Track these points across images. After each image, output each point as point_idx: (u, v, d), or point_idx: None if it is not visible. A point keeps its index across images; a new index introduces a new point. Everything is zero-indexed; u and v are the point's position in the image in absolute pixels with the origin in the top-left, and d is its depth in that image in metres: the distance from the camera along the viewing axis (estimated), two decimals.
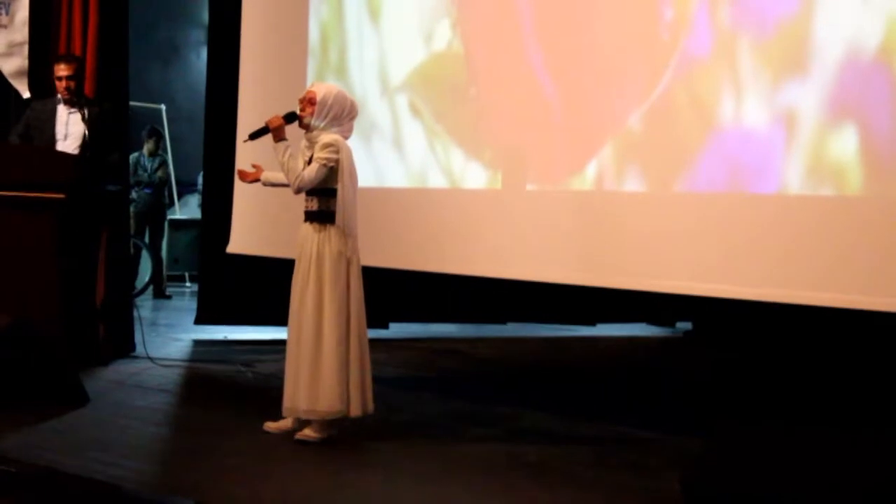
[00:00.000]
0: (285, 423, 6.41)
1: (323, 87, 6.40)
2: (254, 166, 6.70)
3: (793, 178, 5.84)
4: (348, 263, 6.27)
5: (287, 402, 6.30)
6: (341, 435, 6.33)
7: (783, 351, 9.12)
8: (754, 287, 5.99)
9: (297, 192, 6.29)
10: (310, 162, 6.25)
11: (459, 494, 5.44)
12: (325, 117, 6.28)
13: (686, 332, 11.87)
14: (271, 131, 6.30)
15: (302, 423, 6.32)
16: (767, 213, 5.93)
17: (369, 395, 6.37)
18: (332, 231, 6.25)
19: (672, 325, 12.22)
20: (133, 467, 5.70)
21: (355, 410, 6.27)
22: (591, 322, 11.90)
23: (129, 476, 5.55)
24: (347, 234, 6.25)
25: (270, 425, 6.45)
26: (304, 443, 6.22)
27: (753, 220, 5.99)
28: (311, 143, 6.30)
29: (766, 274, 5.93)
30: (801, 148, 5.80)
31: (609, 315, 11.69)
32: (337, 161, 6.21)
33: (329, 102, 6.27)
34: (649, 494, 5.46)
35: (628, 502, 5.35)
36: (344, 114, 6.33)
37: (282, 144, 6.26)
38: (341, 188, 6.22)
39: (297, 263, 6.36)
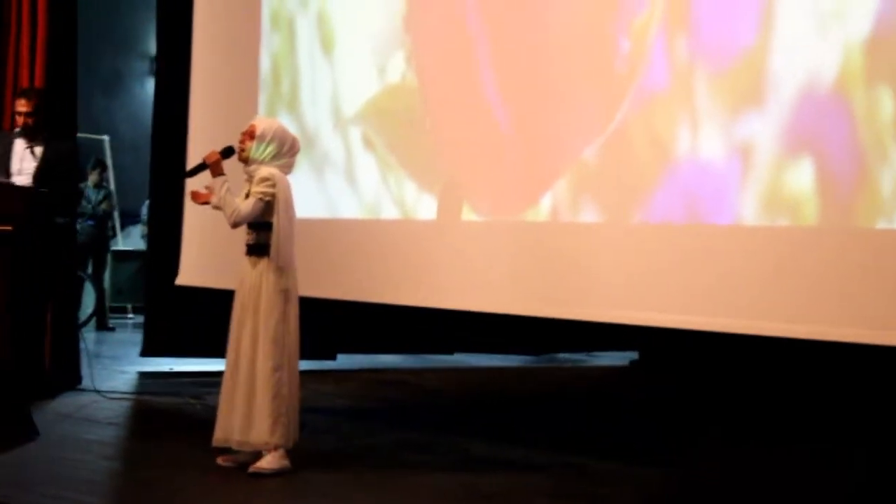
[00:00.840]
0: (238, 457, 6.37)
1: (264, 121, 6.46)
2: (207, 188, 6.70)
3: (748, 210, 5.87)
4: (285, 296, 6.28)
5: (219, 432, 6.29)
6: (294, 467, 6.30)
7: (733, 379, 9.18)
8: (708, 317, 6.02)
9: (234, 226, 6.31)
10: (247, 196, 6.27)
11: None
12: (264, 151, 6.30)
13: (632, 362, 11.91)
14: (209, 166, 6.31)
15: (255, 457, 6.29)
16: (722, 243, 5.97)
17: (295, 424, 6.35)
18: (267, 264, 6.25)
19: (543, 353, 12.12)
20: (85, 502, 5.65)
21: (288, 442, 6.27)
22: (536, 352, 11.92)
23: None
24: (283, 268, 6.26)
25: (226, 458, 6.41)
26: (258, 475, 6.18)
27: (708, 250, 6.02)
28: (250, 177, 6.32)
29: (721, 304, 5.97)
30: (757, 180, 5.83)
31: (557, 345, 11.71)
32: (273, 196, 6.23)
33: (268, 137, 6.30)
34: None
35: None
36: (284, 149, 6.36)
37: (219, 179, 6.28)
38: (276, 222, 6.23)
39: (236, 295, 6.37)
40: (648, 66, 6.29)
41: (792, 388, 8.31)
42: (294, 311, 6.33)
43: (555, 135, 6.74)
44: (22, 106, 8.18)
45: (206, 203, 6.61)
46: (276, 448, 6.19)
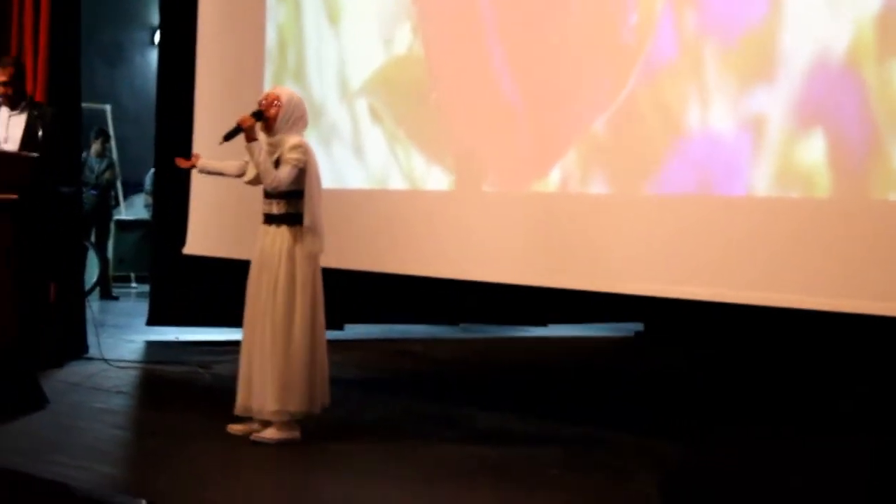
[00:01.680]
0: (250, 426, 6.37)
1: (285, 90, 6.47)
2: (193, 155, 6.65)
3: (760, 182, 5.86)
4: (316, 261, 6.32)
5: (249, 401, 6.28)
6: (304, 438, 6.30)
7: (738, 350, 9.20)
8: (717, 288, 6.02)
9: (273, 189, 6.28)
10: (277, 163, 6.25)
11: (427, 497, 5.44)
12: (289, 120, 6.31)
13: (637, 333, 11.91)
14: (244, 131, 6.29)
15: (265, 424, 6.29)
16: (733, 215, 5.96)
17: (327, 389, 6.41)
18: (301, 232, 6.27)
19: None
20: (95, 470, 5.68)
21: (316, 408, 6.32)
22: (543, 322, 11.92)
23: (91, 479, 5.53)
24: (319, 233, 6.29)
25: (235, 428, 6.40)
26: (261, 444, 6.19)
27: (719, 222, 6.02)
28: (274, 146, 6.30)
29: (731, 275, 5.96)
30: (768, 153, 5.83)
31: (560, 315, 11.69)
32: (305, 162, 6.24)
33: (293, 105, 6.34)
34: (622, 495, 5.47)
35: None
36: (303, 119, 6.41)
37: (255, 144, 6.26)
38: (309, 188, 6.25)
39: (256, 266, 6.36)
40: (656, 37, 6.28)
41: (801, 359, 8.33)
42: (320, 277, 6.38)
43: (563, 106, 6.72)
44: None
45: (192, 167, 6.62)
46: (300, 415, 6.23)
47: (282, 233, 6.29)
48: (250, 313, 6.36)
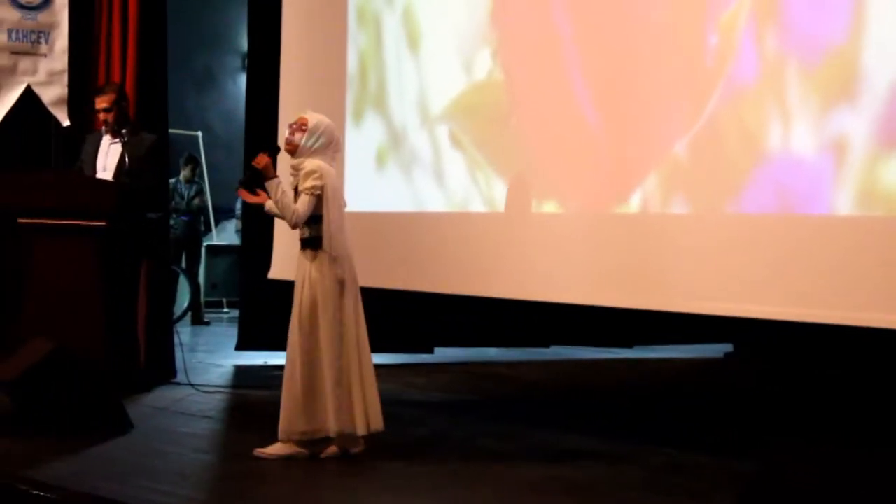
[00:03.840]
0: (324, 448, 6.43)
1: (315, 115, 6.50)
2: (258, 193, 6.73)
3: (843, 205, 5.79)
4: (341, 286, 6.36)
5: (283, 423, 6.37)
6: (384, 458, 6.32)
7: (831, 372, 9.06)
8: (806, 309, 5.94)
9: (294, 227, 6.42)
10: (296, 191, 6.35)
11: None
12: (315, 144, 6.38)
13: (727, 354, 11.79)
14: (262, 170, 6.35)
15: (348, 445, 6.37)
16: (819, 235, 5.89)
17: (374, 411, 6.43)
18: (322, 256, 6.36)
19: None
20: (179, 494, 5.69)
21: (361, 429, 6.36)
22: (629, 344, 11.83)
23: (175, 503, 5.53)
24: (337, 257, 6.35)
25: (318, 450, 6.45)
26: (328, 460, 6.33)
27: (803, 241, 5.94)
28: (296, 170, 6.39)
29: (817, 295, 5.88)
30: (851, 175, 5.75)
31: (646, 337, 11.60)
32: (322, 188, 6.31)
33: (320, 130, 6.40)
34: None
35: None
36: (331, 145, 6.46)
37: (273, 182, 6.35)
38: (326, 213, 6.32)
39: (295, 290, 6.49)
40: (737, 59, 6.24)
41: (892, 377, 8.18)
42: (353, 300, 6.42)
43: (643, 129, 6.69)
44: (100, 103, 8.24)
45: (259, 205, 6.65)
46: (339, 434, 6.31)
47: (307, 257, 6.41)
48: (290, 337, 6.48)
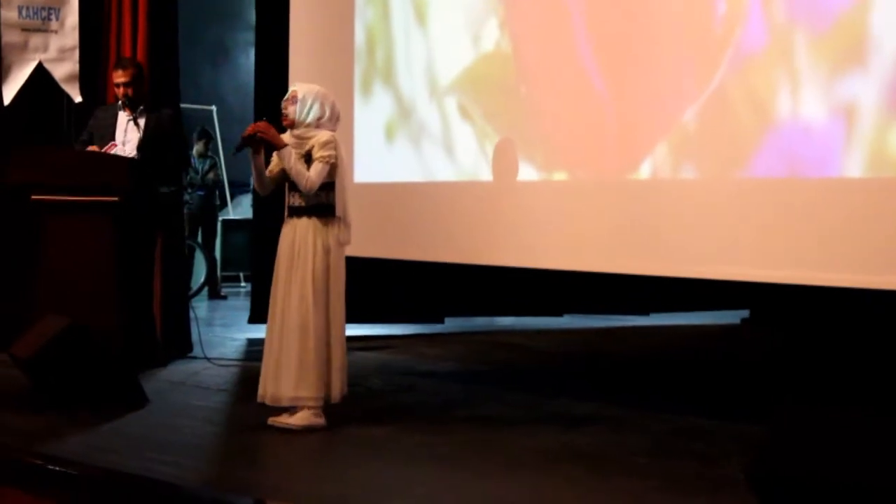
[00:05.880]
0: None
1: (304, 85, 6.60)
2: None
3: (853, 169, 5.79)
4: (343, 251, 6.52)
5: (289, 390, 6.42)
6: (397, 428, 6.35)
7: (846, 335, 9.04)
8: (822, 272, 5.94)
9: (308, 192, 6.41)
10: (306, 160, 6.41)
11: (518, 485, 5.43)
12: (308, 113, 6.45)
13: (743, 320, 11.79)
14: (270, 140, 6.40)
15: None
16: (830, 197, 5.89)
17: (346, 377, 6.54)
18: (332, 223, 6.44)
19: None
20: (193, 467, 5.75)
21: (336, 396, 6.47)
22: (645, 311, 11.84)
23: (190, 476, 5.59)
24: (348, 224, 6.48)
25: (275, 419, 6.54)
26: (287, 430, 6.39)
27: (814, 204, 5.95)
28: (301, 141, 6.46)
29: (828, 258, 5.89)
30: (861, 140, 5.75)
31: (662, 304, 11.60)
32: (336, 157, 6.41)
33: (309, 99, 6.46)
34: (707, 482, 5.43)
35: (686, 490, 5.31)
36: (329, 111, 6.51)
37: (286, 150, 6.40)
38: (340, 181, 6.44)
39: (285, 259, 6.48)
40: (746, 26, 6.23)
41: None
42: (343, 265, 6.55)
43: (653, 98, 6.68)
44: (119, 77, 8.23)
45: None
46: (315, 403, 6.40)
47: (313, 224, 6.43)
48: (281, 306, 6.49)
